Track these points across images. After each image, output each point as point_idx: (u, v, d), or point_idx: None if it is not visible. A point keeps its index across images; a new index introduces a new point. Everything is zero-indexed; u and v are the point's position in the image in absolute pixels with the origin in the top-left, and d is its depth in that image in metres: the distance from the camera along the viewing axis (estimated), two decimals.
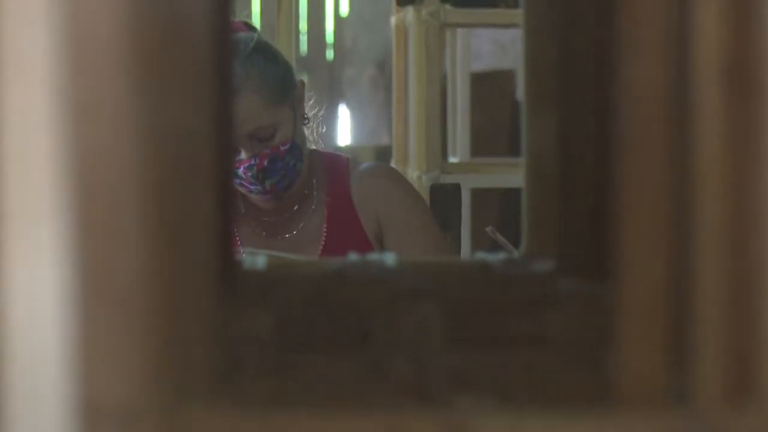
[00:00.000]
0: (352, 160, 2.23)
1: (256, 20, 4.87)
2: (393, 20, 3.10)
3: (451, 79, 3.67)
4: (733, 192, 0.68)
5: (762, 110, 0.67)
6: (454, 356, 0.81)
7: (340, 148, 5.49)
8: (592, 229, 0.88)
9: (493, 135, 4.40)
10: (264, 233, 2.15)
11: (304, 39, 6.29)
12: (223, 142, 0.83)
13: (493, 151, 4.21)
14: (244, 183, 2.06)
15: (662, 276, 0.69)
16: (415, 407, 0.71)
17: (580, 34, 0.89)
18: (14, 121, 0.65)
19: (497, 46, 4.86)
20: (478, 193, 3.51)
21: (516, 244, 1.78)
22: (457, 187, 2.91)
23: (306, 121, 2.17)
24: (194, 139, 0.71)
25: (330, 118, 5.89)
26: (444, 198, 2.88)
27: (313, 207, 2.15)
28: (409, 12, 2.97)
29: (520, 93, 3.20)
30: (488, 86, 4.44)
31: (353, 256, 0.95)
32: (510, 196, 4.10)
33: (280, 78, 2.08)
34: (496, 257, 0.96)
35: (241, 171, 2.04)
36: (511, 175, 3.05)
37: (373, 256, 0.95)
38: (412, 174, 2.97)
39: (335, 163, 2.20)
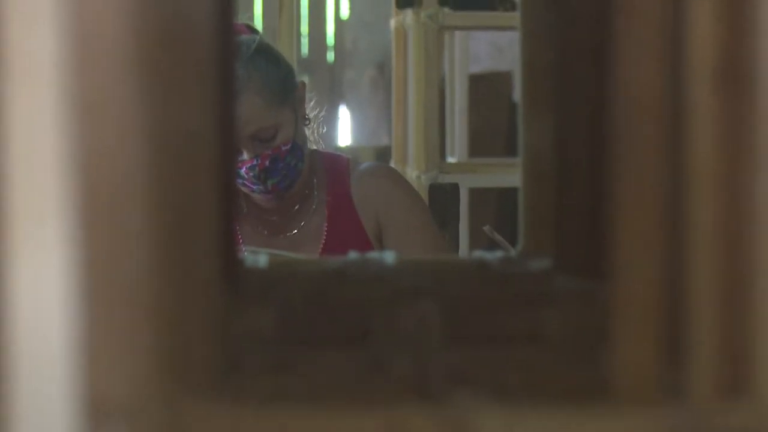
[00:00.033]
0: (352, 161, 2.23)
1: (258, 23, 4.86)
2: (392, 23, 3.11)
3: (450, 80, 3.67)
4: (727, 191, 0.68)
5: (754, 110, 0.67)
6: (453, 353, 0.81)
7: (340, 149, 5.48)
8: (588, 228, 0.88)
9: (490, 135, 4.40)
10: (266, 232, 2.16)
11: (305, 41, 6.29)
12: (225, 142, 0.83)
13: (490, 152, 4.21)
14: (247, 183, 2.07)
15: (657, 274, 0.69)
16: (415, 404, 0.70)
17: (575, 36, 0.89)
18: (20, 122, 0.64)
19: (495, 48, 4.86)
20: (475, 193, 3.51)
21: (513, 242, 1.78)
22: (455, 187, 2.92)
23: (307, 122, 2.18)
24: (197, 139, 0.71)
25: (330, 119, 5.88)
26: (442, 197, 2.88)
27: (314, 206, 2.16)
28: (409, 15, 2.98)
29: (517, 94, 3.19)
30: (486, 88, 4.44)
31: (353, 255, 0.96)
32: (507, 195, 4.11)
33: (281, 80, 2.08)
34: (493, 256, 0.97)
35: (243, 171, 2.04)
36: (508, 175, 3.06)
37: (373, 255, 0.96)
38: (411, 174, 2.97)
39: (336, 163, 2.21)
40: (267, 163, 2.05)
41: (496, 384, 0.75)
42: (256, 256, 0.95)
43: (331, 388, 0.75)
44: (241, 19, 2.26)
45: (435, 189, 2.90)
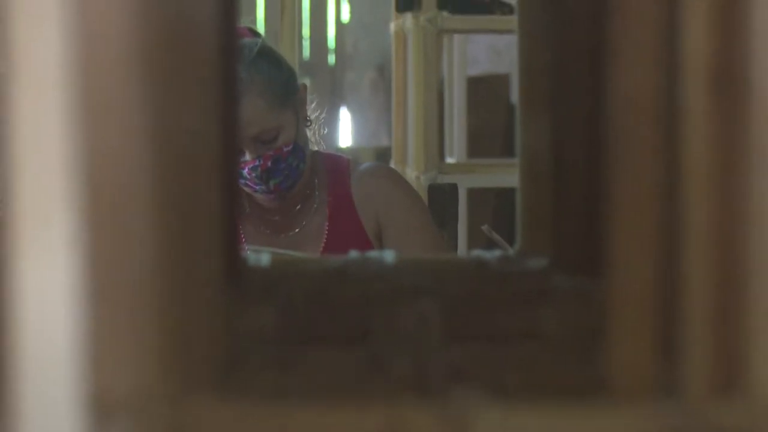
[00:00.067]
0: (352, 161, 2.24)
1: (260, 26, 4.86)
2: (392, 26, 3.11)
3: (449, 83, 3.68)
4: (721, 192, 0.68)
5: (748, 113, 0.67)
6: (452, 351, 0.81)
7: (341, 150, 5.48)
8: (584, 227, 0.88)
9: (488, 137, 4.41)
10: (268, 231, 2.17)
11: (306, 44, 6.29)
12: (228, 143, 0.83)
13: (488, 153, 4.21)
14: (249, 183, 2.08)
15: (652, 273, 0.69)
16: (414, 401, 0.70)
17: (572, 39, 0.88)
18: (25, 123, 0.64)
19: (493, 51, 4.86)
20: (474, 193, 3.51)
21: (511, 242, 1.78)
22: (454, 187, 2.92)
23: (308, 124, 2.19)
24: (200, 140, 0.71)
25: (331, 121, 5.88)
26: (441, 197, 2.88)
27: (315, 206, 2.17)
28: (408, 18, 2.98)
29: (515, 96, 3.21)
30: (484, 90, 4.44)
31: (354, 254, 0.96)
32: (505, 195, 4.11)
33: (283, 82, 2.09)
34: (492, 255, 0.97)
35: (245, 172, 2.05)
36: (506, 175, 3.07)
37: (373, 254, 0.96)
38: (411, 174, 2.98)
39: (336, 164, 2.21)
40: (269, 163, 2.06)
41: (494, 381, 0.75)
42: (259, 255, 0.96)
43: (331, 386, 0.75)
44: (243, 23, 2.27)
45: (434, 189, 2.91)
